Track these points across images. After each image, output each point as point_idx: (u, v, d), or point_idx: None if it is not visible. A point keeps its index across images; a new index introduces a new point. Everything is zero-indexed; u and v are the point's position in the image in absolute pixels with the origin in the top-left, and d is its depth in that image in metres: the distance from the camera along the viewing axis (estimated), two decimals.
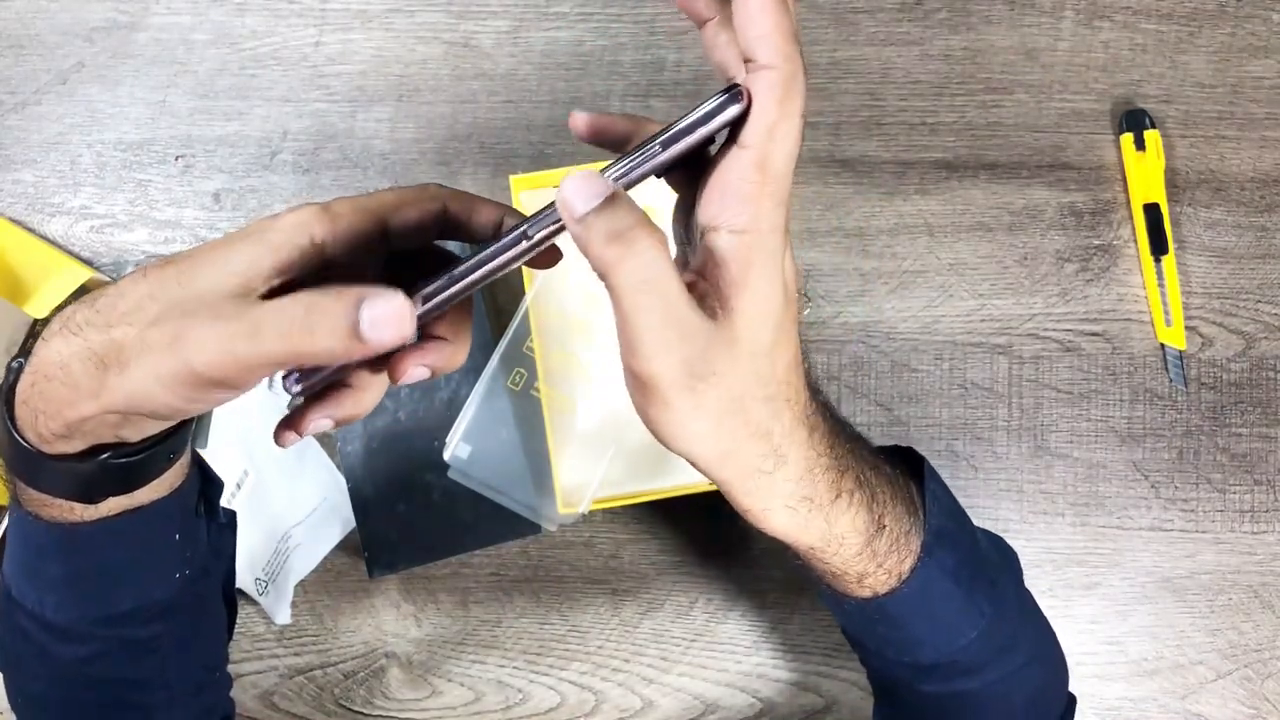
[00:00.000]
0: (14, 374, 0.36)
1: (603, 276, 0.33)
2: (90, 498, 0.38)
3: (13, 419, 0.36)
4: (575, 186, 0.32)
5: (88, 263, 0.65)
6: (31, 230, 0.66)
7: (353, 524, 0.64)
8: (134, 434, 0.36)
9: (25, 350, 0.37)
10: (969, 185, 0.66)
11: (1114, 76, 0.67)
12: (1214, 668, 0.64)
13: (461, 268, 0.34)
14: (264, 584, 0.63)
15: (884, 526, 0.40)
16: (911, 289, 0.65)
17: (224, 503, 0.47)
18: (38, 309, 0.62)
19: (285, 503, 0.63)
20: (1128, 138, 0.65)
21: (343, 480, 0.63)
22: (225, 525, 0.47)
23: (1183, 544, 0.65)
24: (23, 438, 0.36)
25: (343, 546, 0.64)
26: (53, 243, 0.66)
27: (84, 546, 0.40)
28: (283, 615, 0.63)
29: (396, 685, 0.65)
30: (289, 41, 0.67)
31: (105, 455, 0.36)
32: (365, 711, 0.65)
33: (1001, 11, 0.67)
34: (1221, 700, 0.64)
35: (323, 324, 0.30)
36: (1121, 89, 0.67)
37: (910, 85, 0.66)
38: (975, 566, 0.45)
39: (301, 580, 0.64)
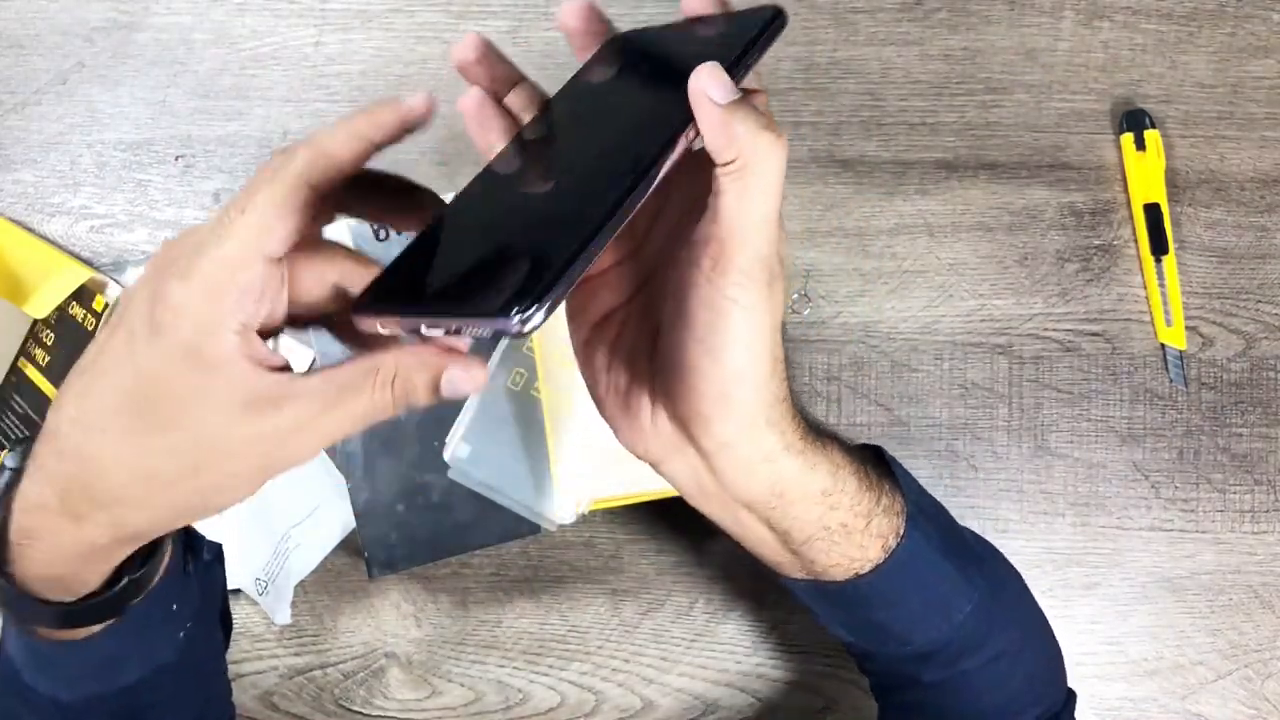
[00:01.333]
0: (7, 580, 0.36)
1: (742, 170, 0.31)
2: (99, 620, 0.39)
3: (20, 588, 0.36)
4: (710, 76, 0.31)
5: (88, 263, 0.65)
6: (31, 230, 0.66)
7: (353, 524, 0.64)
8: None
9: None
10: (969, 185, 0.66)
11: (1114, 76, 0.67)
12: (1214, 668, 0.64)
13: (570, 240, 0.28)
14: (264, 584, 0.63)
15: (859, 513, 0.41)
16: (911, 289, 0.65)
17: None
18: (38, 309, 0.62)
19: (285, 503, 0.63)
20: (1128, 138, 0.65)
21: (342, 480, 0.63)
22: (212, 560, 0.46)
23: (1183, 544, 0.65)
24: (38, 598, 0.36)
25: (343, 546, 0.64)
26: (53, 243, 0.66)
27: (88, 651, 0.40)
28: (282, 615, 0.63)
29: (396, 685, 0.65)
30: (289, 41, 0.67)
31: (121, 582, 0.38)
32: (365, 712, 0.65)
33: (1001, 11, 0.67)
34: (1222, 700, 0.64)
35: (400, 398, 0.31)
36: (1121, 89, 0.67)
37: (910, 85, 0.66)
38: (959, 543, 0.45)
39: (301, 580, 0.64)
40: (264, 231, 0.30)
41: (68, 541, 0.34)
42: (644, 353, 0.37)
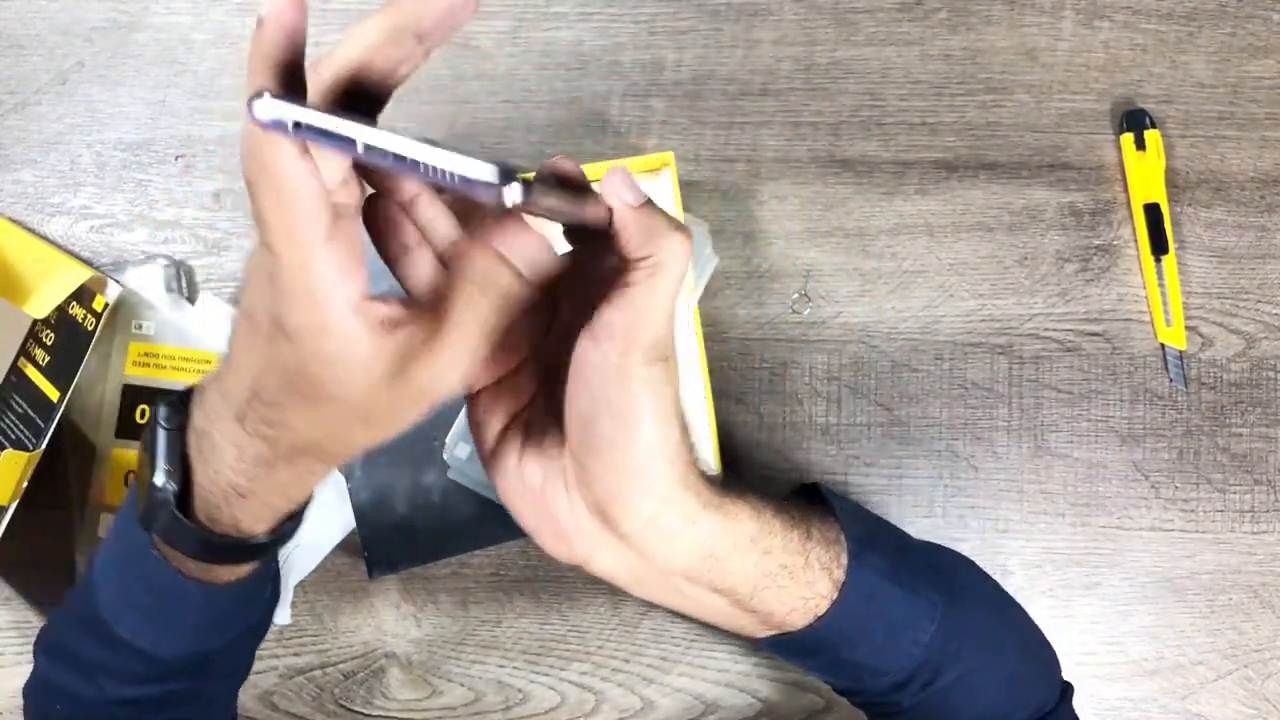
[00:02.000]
0: (172, 494, 0.40)
1: (655, 265, 0.34)
2: (251, 559, 0.43)
3: (197, 522, 0.40)
4: (622, 180, 0.34)
5: (88, 262, 0.65)
6: (31, 230, 0.66)
7: (353, 524, 0.64)
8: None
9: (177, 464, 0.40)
10: (969, 185, 0.66)
11: (1114, 76, 0.67)
12: (1214, 668, 0.64)
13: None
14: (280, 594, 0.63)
15: (808, 562, 0.42)
16: (911, 289, 0.65)
17: None
18: (37, 309, 0.62)
19: None
20: (1128, 138, 0.65)
21: (342, 480, 0.63)
22: None
23: (1183, 544, 0.65)
24: (223, 535, 0.40)
25: (343, 546, 0.64)
26: (53, 243, 0.66)
27: (220, 600, 0.44)
28: (283, 615, 0.63)
29: (396, 685, 0.65)
30: None
31: (284, 525, 0.42)
32: (365, 712, 0.65)
33: (1001, 11, 0.67)
34: (1222, 700, 0.64)
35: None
36: (1121, 89, 0.67)
37: (910, 85, 0.66)
38: (910, 561, 0.45)
39: (301, 580, 0.64)
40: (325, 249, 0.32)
41: (284, 481, 0.39)
42: (554, 444, 0.38)
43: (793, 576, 0.41)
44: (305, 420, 0.35)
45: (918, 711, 0.46)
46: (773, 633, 0.44)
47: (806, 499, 0.46)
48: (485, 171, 0.27)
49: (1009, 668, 0.47)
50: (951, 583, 0.46)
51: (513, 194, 0.27)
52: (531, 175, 0.29)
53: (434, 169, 0.27)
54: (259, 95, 0.27)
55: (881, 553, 0.44)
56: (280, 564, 0.63)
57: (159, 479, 0.39)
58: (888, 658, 0.44)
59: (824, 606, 0.42)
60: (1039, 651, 0.50)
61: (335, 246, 0.31)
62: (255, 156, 0.30)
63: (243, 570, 0.44)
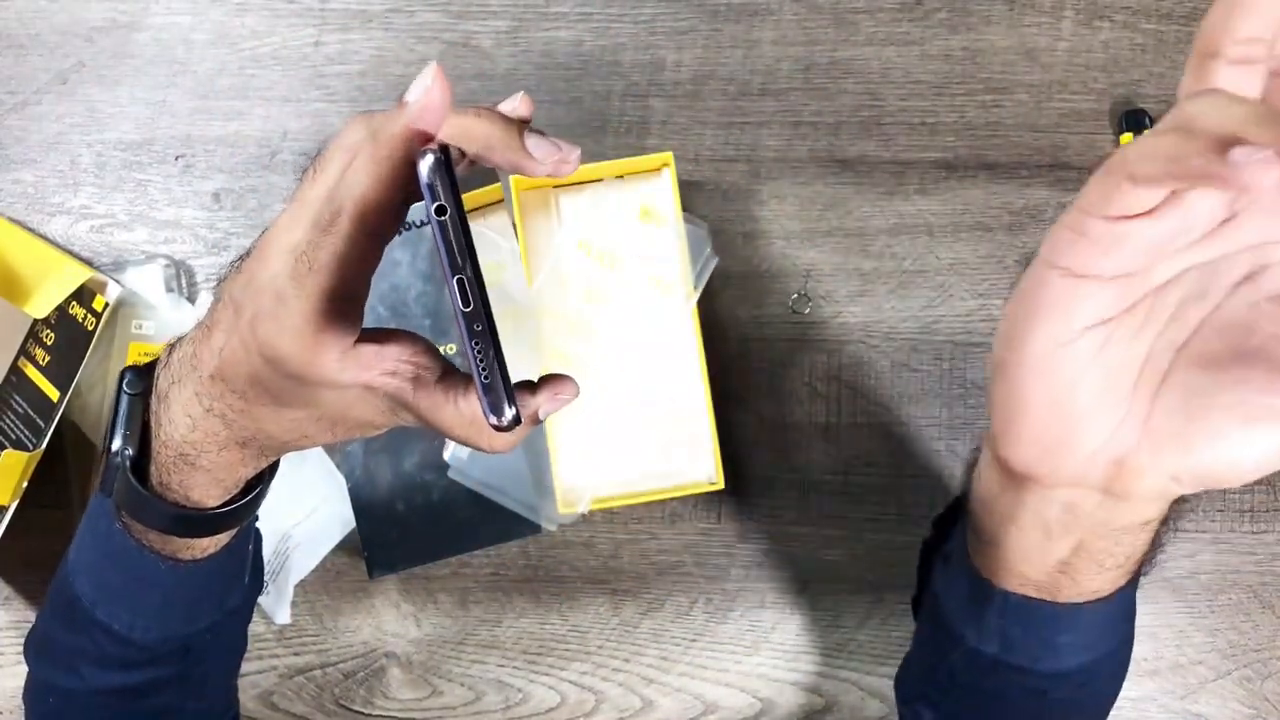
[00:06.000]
0: (128, 459, 0.40)
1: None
2: (215, 531, 0.43)
3: (150, 490, 0.40)
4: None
5: (87, 262, 0.65)
6: (31, 230, 0.66)
7: (352, 524, 0.64)
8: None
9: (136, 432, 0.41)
10: (969, 185, 0.66)
11: (1114, 76, 0.67)
12: (1214, 668, 0.64)
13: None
14: (264, 584, 0.63)
15: (1159, 545, 0.37)
16: (911, 289, 0.65)
17: None
18: (37, 309, 0.62)
19: (285, 503, 0.63)
20: (1128, 137, 0.65)
21: (342, 480, 0.63)
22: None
23: (1183, 544, 0.65)
24: (174, 504, 0.40)
25: (343, 546, 0.64)
26: (52, 242, 0.66)
27: (187, 579, 0.43)
28: (282, 615, 0.63)
29: (396, 685, 0.65)
30: (289, 41, 0.67)
31: (240, 501, 0.42)
32: (365, 711, 0.65)
33: (1001, 11, 0.67)
34: (1221, 700, 0.64)
35: None
36: (1121, 89, 0.67)
37: (910, 85, 0.66)
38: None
39: (301, 580, 0.64)
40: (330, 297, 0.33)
41: (232, 460, 0.39)
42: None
43: (1111, 567, 0.37)
44: (268, 417, 0.37)
45: (1026, 697, 0.43)
46: (1037, 596, 0.39)
47: None
48: (497, 409, 0.32)
49: (1107, 695, 0.46)
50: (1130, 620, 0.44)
51: (504, 418, 0.32)
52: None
53: (471, 336, 0.31)
54: (432, 150, 0.31)
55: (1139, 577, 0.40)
56: (280, 563, 0.63)
57: (116, 443, 0.40)
58: (1065, 656, 0.40)
59: (1106, 592, 0.38)
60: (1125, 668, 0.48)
61: (342, 307, 0.33)
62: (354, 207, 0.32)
63: (204, 545, 0.43)
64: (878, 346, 0.65)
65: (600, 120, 0.66)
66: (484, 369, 0.31)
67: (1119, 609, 0.39)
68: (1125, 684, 0.64)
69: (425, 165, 0.30)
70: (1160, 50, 0.67)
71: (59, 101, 0.67)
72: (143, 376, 0.40)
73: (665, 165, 0.61)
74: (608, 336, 0.62)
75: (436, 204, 0.30)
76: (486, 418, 0.32)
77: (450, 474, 0.62)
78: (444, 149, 0.31)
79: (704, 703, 0.65)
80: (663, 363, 0.62)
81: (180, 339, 0.39)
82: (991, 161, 0.66)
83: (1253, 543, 0.65)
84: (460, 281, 0.30)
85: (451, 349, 0.63)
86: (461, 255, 0.30)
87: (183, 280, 0.65)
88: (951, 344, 0.65)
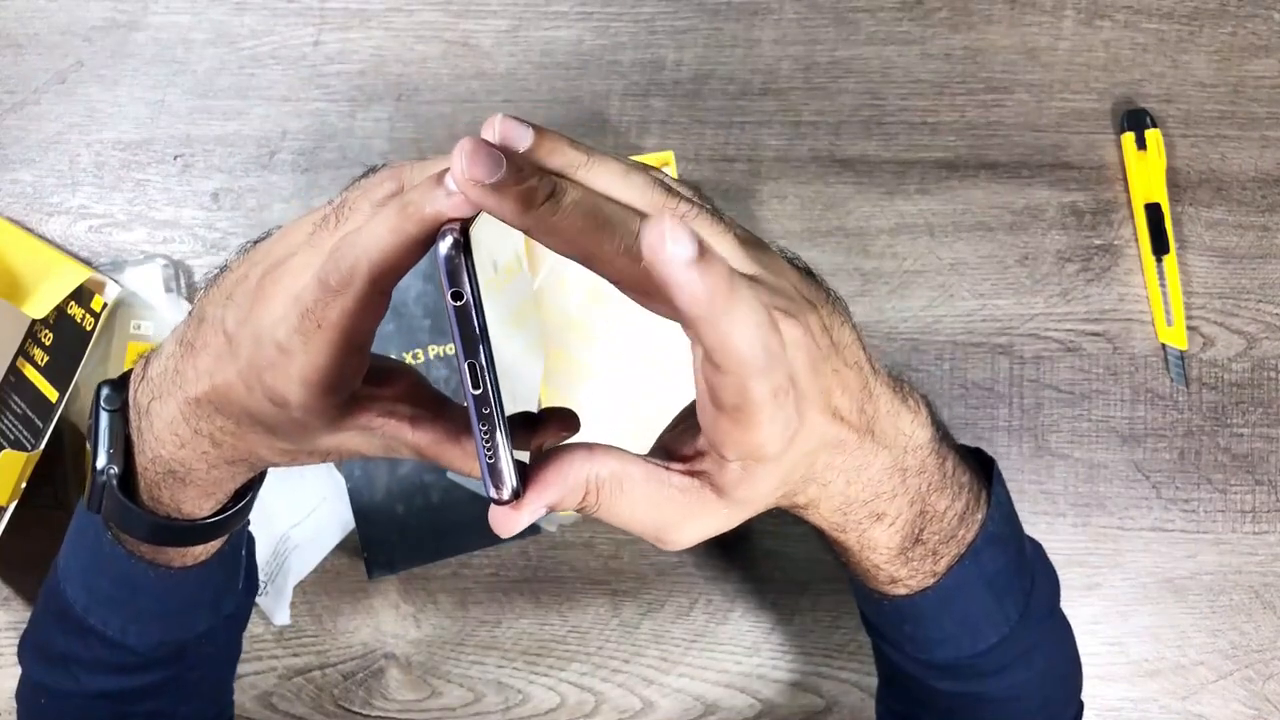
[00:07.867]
0: (114, 478, 0.40)
1: (729, 330, 0.27)
2: (208, 539, 0.43)
3: (140, 505, 0.40)
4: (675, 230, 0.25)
5: (86, 262, 0.65)
6: (30, 230, 0.66)
7: (352, 525, 0.63)
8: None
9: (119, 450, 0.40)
10: (969, 185, 0.66)
11: (1115, 76, 0.66)
12: (1215, 668, 0.64)
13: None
14: (263, 585, 0.62)
15: (921, 541, 0.39)
16: (911, 289, 0.65)
17: None
18: (36, 309, 0.62)
19: (284, 504, 0.63)
20: (1129, 137, 0.65)
21: (342, 481, 0.63)
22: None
23: (1184, 544, 0.64)
24: (166, 518, 0.40)
25: (342, 547, 0.64)
26: (51, 242, 0.66)
27: (181, 585, 0.44)
28: (282, 616, 0.63)
29: (396, 686, 0.65)
30: (288, 41, 0.67)
31: (232, 509, 0.42)
32: (364, 712, 0.65)
33: (1002, 11, 0.67)
34: (1223, 701, 0.64)
35: None
36: (1122, 88, 0.66)
37: (910, 85, 0.66)
38: (1015, 573, 0.44)
39: (301, 581, 0.64)
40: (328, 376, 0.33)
41: (222, 476, 0.39)
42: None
43: (896, 568, 0.40)
44: (261, 443, 0.37)
45: (946, 697, 0.45)
46: (849, 575, 0.43)
47: (976, 461, 0.44)
48: (497, 488, 0.33)
49: (1049, 690, 0.47)
50: (1031, 605, 0.44)
51: (505, 494, 0.33)
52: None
53: (479, 419, 0.31)
54: (455, 231, 0.30)
55: (1001, 552, 0.42)
56: (279, 564, 0.63)
57: (101, 461, 0.39)
58: (938, 648, 0.43)
59: (911, 590, 0.40)
60: (1072, 675, 0.49)
61: (349, 359, 0.33)
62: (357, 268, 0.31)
63: (196, 553, 0.43)
64: (878, 346, 0.65)
65: (600, 120, 0.66)
66: (489, 450, 0.32)
67: (955, 592, 0.41)
68: (1125, 684, 0.65)
69: (445, 245, 0.29)
70: (1161, 50, 0.67)
71: (58, 101, 0.67)
72: (119, 390, 0.40)
73: (665, 165, 0.61)
74: (609, 336, 0.62)
75: (454, 289, 0.29)
76: (487, 492, 0.33)
77: (450, 474, 0.62)
78: (464, 230, 0.30)
79: (704, 703, 0.64)
80: (664, 363, 0.62)
81: (156, 352, 0.39)
82: (992, 161, 0.66)
83: (1254, 543, 0.64)
84: (472, 366, 0.30)
85: (451, 350, 0.63)
86: (476, 341, 0.30)
87: (181, 280, 0.65)
88: (952, 344, 0.65)
